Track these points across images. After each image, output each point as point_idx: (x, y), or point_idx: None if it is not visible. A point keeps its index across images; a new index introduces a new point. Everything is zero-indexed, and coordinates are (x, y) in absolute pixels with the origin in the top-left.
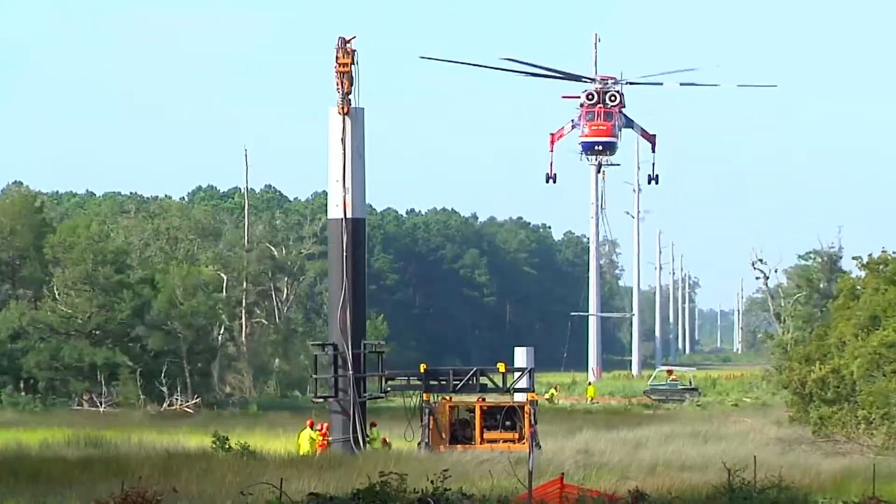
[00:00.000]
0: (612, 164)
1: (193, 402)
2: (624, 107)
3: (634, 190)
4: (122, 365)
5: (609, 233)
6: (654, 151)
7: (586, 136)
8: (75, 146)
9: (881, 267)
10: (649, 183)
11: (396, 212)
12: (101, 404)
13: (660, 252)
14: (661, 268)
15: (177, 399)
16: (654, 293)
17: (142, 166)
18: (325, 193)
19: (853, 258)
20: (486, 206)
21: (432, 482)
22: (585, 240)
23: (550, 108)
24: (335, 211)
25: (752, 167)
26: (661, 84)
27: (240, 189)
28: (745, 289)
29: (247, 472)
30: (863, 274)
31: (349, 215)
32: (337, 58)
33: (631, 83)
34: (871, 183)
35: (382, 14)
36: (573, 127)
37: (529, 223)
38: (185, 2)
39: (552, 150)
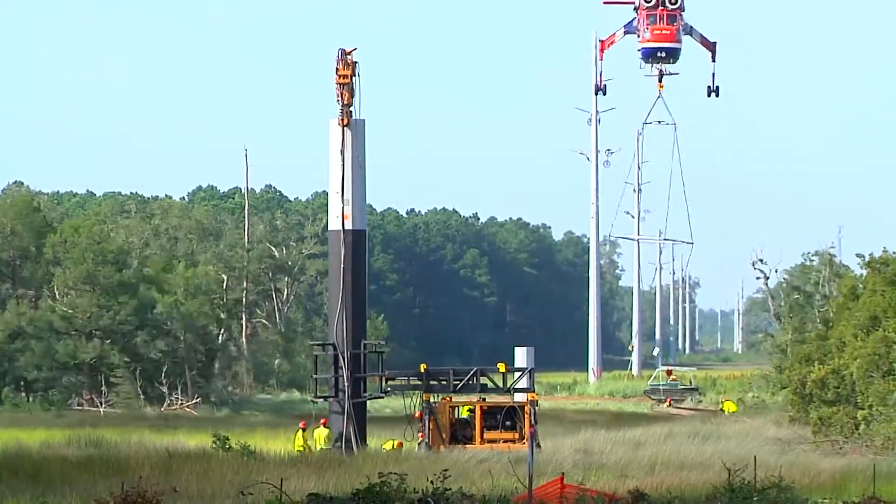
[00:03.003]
0: (671, 74)
1: (194, 402)
2: (684, 10)
3: (635, 190)
4: (122, 365)
5: (678, 149)
6: (714, 61)
7: (648, 41)
8: (75, 146)
9: (882, 267)
10: (709, 95)
11: (397, 212)
12: (101, 404)
13: (660, 252)
14: (661, 268)
15: (177, 399)
16: (654, 293)
17: (142, 166)
18: (325, 193)
19: (857, 255)
20: (486, 206)
21: (432, 482)
22: (585, 240)
23: (551, 107)
24: (335, 223)
25: (751, 166)
26: None
27: (240, 189)
28: (746, 289)
29: (247, 472)
30: (865, 272)
31: (349, 227)
32: (337, 69)
33: None
34: (872, 183)
35: (386, 14)
36: (626, 33)
37: (529, 223)
38: (186, 1)
39: (601, 59)
